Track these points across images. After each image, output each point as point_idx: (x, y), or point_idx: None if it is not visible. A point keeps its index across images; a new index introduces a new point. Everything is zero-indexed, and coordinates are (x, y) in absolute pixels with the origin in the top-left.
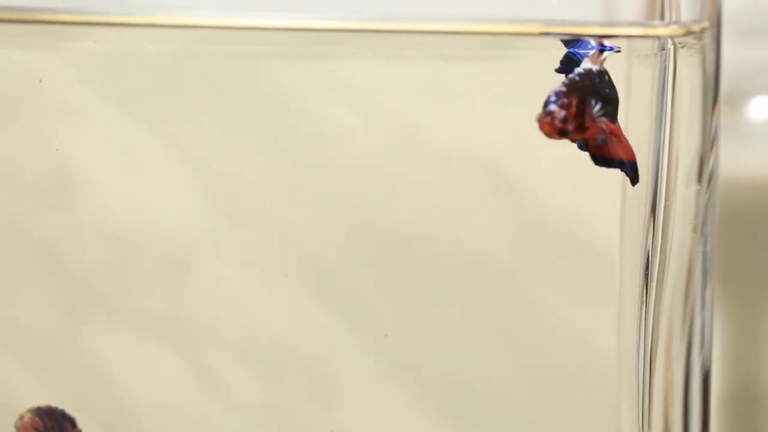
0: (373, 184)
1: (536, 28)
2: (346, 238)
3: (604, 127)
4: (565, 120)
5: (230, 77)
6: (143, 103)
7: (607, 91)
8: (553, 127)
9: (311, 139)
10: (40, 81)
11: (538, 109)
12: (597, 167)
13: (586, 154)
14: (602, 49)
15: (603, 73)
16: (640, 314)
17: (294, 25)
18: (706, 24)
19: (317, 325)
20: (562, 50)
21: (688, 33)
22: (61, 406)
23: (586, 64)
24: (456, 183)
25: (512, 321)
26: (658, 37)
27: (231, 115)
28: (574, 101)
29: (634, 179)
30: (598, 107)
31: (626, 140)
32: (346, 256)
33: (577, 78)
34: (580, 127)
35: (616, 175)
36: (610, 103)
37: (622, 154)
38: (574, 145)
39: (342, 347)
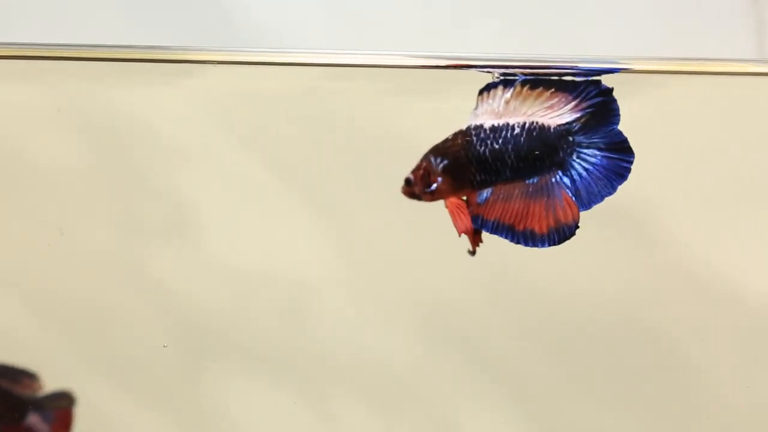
0: None
1: None
2: (464, 278)
3: (440, 181)
4: (409, 183)
5: (348, 115)
6: (260, 142)
7: (482, 149)
8: (404, 191)
9: None
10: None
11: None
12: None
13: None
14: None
15: (499, 129)
16: None
17: (411, 63)
18: None
19: (437, 366)
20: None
21: None
22: None
23: (472, 120)
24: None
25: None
26: None
27: (350, 154)
28: (425, 163)
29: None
30: (441, 166)
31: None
32: (464, 296)
33: (450, 137)
34: (429, 189)
35: None
36: (480, 163)
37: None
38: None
39: (462, 387)
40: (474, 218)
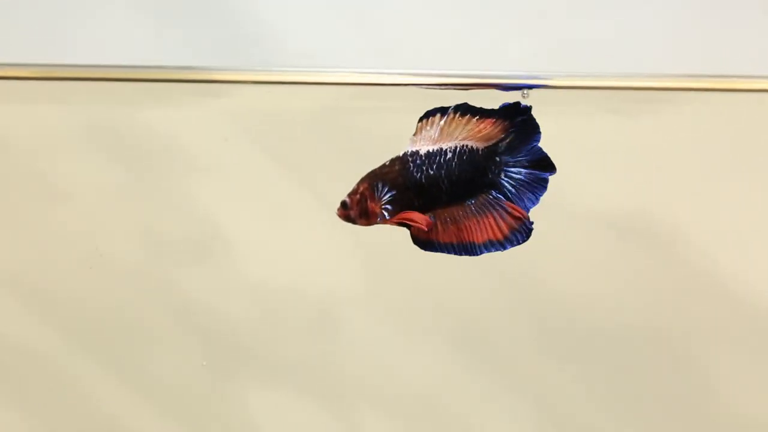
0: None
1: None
2: (491, 293)
3: (385, 213)
4: (345, 206)
5: (376, 133)
6: (288, 160)
7: (418, 175)
8: (339, 213)
9: None
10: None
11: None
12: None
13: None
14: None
15: (434, 154)
16: None
17: (435, 81)
18: None
19: (465, 382)
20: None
21: None
22: None
23: (410, 146)
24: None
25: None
26: None
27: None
28: (363, 188)
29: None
30: (386, 194)
31: (424, 224)
32: (494, 314)
33: (387, 163)
34: (365, 214)
35: None
36: (417, 188)
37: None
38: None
39: (491, 404)
40: (427, 243)
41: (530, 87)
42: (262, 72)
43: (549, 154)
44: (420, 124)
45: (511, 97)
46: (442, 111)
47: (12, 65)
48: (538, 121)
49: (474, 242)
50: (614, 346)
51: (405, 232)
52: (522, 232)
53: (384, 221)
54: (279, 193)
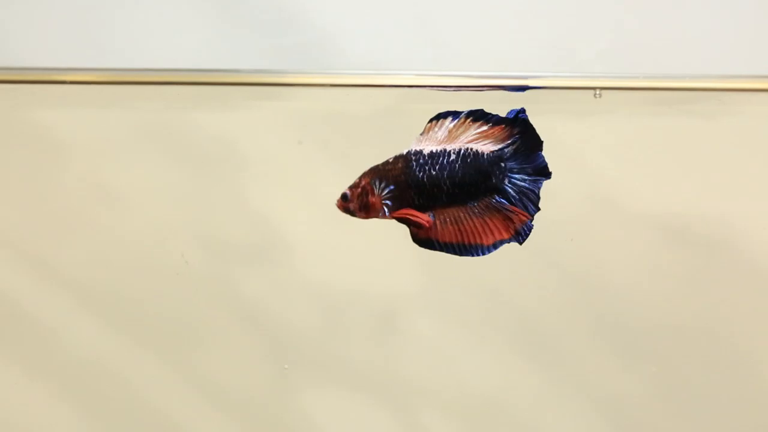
0: (584, 242)
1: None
2: (553, 294)
3: (385, 209)
4: (346, 199)
5: None
6: (346, 162)
7: (420, 174)
8: (338, 204)
9: None
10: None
11: None
12: None
13: None
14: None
15: (437, 155)
16: None
17: (488, 83)
18: None
19: (524, 381)
20: None
21: None
22: None
23: (414, 145)
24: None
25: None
26: None
27: None
28: (364, 182)
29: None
30: (386, 190)
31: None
32: (553, 313)
33: (390, 161)
34: (365, 208)
35: None
36: (418, 187)
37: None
38: None
39: (549, 402)
40: (427, 242)
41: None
42: (316, 75)
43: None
44: (429, 124)
45: (520, 102)
46: (454, 114)
47: (72, 69)
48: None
49: (481, 244)
50: (674, 345)
51: None
52: (522, 234)
53: (384, 216)
54: (337, 194)
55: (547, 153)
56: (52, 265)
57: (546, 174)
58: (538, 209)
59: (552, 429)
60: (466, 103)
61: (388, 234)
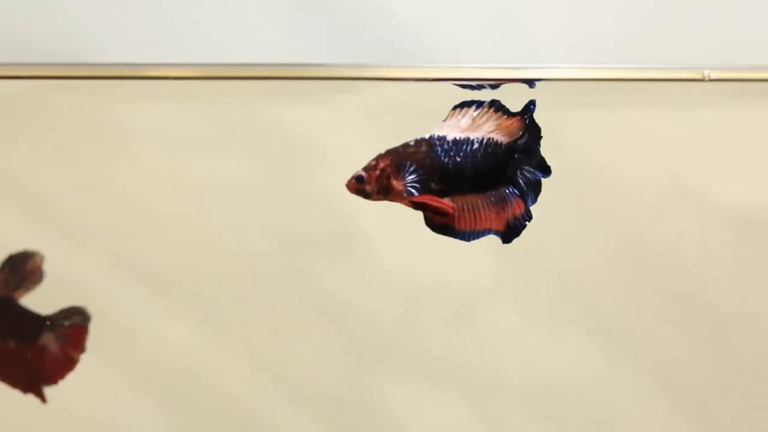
0: (658, 235)
1: None
2: (628, 285)
3: (413, 191)
4: (362, 181)
5: None
6: None
7: (446, 160)
8: (350, 186)
9: (598, 188)
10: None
11: None
12: None
13: None
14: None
15: (461, 142)
16: None
17: (571, 75)
18: None
19: (600, 372)
20: None
21: None
22: None
23: (437, 131)
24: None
25: None
26: None
27: None
28: (384, 164)
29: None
30: (412, 174)
31: (450, 209)
32: (631, 304)
33: (411, 143)
34: (385, 190)
35: None
36: (444, 173)
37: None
38: None
39: (625, 393)
40: (443, 227)
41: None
42: (393, 68)
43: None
44: (452, 111)
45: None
46: (478, 104)
47: (155, 65)
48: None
49: (496, 230)
50: (758, 337)
51: (547, 224)
52: (518, 226)
53: (404, 201)
54: None
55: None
56: (134, 260)
57: (545, 169)
58: (535, 203)
59: (630, 421)
60: (554, 95)
61: None
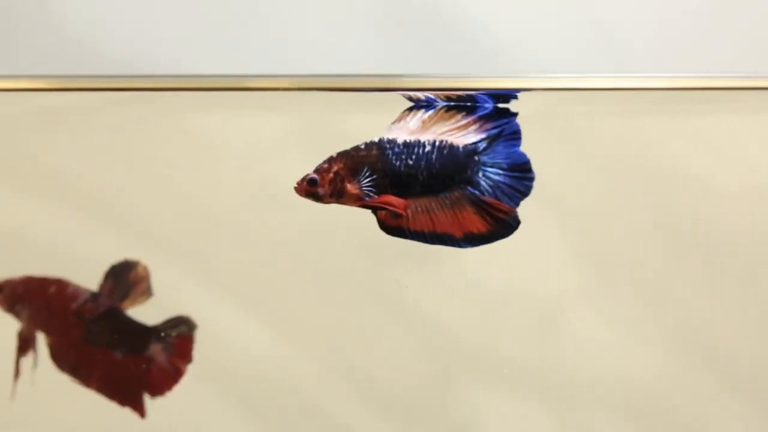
0: (744, 242)
1: None
2: (713, 290)
3: (370, 195)
4: (314, 183)
5: (594, 136)
6: None
7: (397, 163)
8: (301, 189)
9: (680, 197)
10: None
11: None
12: None
13: None
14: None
15: (412, 145)
16: None
17: (651, 85)
18: None
19: (683, 376)
20: None
21: None
22: None
23: (386, 134)
24: None
25: None
26: None
27: (598, 173)
28: (338, 167)
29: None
30: (367, 178)
31: (406, 212)
32: (713, 307)
33: (362, 147)
34: (338, 193)
35: None
36: (395, 176)
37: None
38: None
39: (716, 401)
40: (397, 230)
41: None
42: (468, 79)
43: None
44: (403, 113)
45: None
46: (429, 106)
47: (237, 77)
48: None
49: (452, 235)
50: None
51: (629, 230)
52: (503, 228)
53: (356, 203)
54: None
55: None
56: (213, 268)
57: (525, 170)
58: (516, 205)
59: (713, 425)
60: (641, 103)
61: (548, 232)
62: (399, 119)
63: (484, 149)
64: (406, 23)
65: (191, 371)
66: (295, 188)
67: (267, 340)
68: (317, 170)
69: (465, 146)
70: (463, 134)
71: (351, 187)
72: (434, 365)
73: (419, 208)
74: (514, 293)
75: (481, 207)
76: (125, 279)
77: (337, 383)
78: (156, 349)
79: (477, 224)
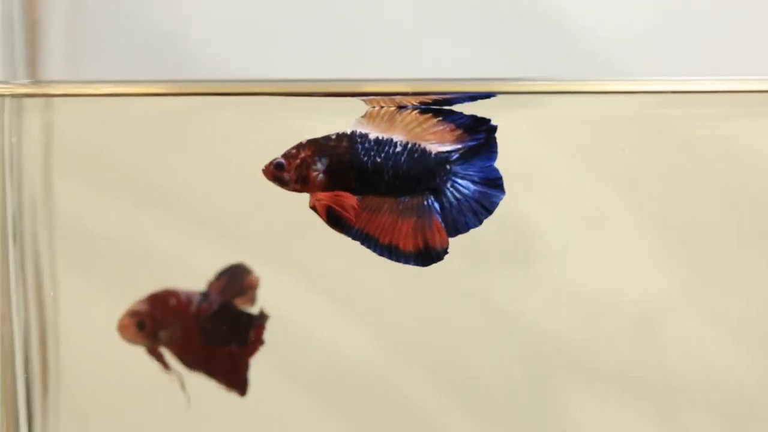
0: None
1: None
2: None
3: (323, 185)
4: (281, 168)
5: (685, 140)
6: (601, 168)
7: (365, 159)
8: (268, 172)
9: None
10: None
11: None
12: None
13: None
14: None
15: (384, 143)
16: None
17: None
18: None
19: None
20: None
21: None
22: None
23: (355, 126)
24: None
25: None
26: None
27: (692, 174)
28: (305, 154)
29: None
30: (324, 166)
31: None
32: None
33: (333, 137)
34: (303, 180)
35: None
36: (361, 171)
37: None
38: None
39: None
40: (339, 223)
41: None
42: (572, 82)
43: None
44: (373, 109)
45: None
46: (400, 107)
47: (330, 81)
48: None
49: (378, 238)
50: None
51: (725, 233)
52: (430, 256)
53: (315, 192)
54: (591, 199)
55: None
56: (309, 269)
57: (496, 186)
58: (479, 223)
59: None
60: (729, 107)
61: (645, 237)
62: (370, 114)
63: (457, 159)
64: (504, 27)
65: (285, 373)
66: (263, 171)
67: (362, 341)
68: (285, 155)
69: (438, 153)
70: (437, 140)
71: (313, 175)
72: (531, 367)
73: (369, 206)
74: (610, 295)
75: (423, 224)
76: (240, 281)
77: (432, 385)
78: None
79: (406, 240)
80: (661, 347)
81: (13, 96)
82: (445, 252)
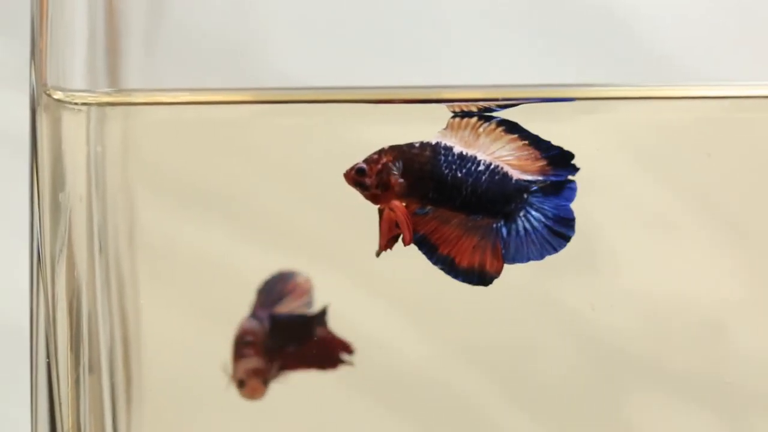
0: None
1: None
2: None
3: (398, 193)
4: (362, 173)
5: (754, 144)
6: (668, 172)
7: (446, 171)
8: (349, 177)
9: None
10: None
11: None
12: None
13: None
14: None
15: (467, 159)
16: None
17: None
18: None
19: None
20: None
21: None
22: None
23: (439, 137)
24: None
25: None
26: None
27: (755, 182)
28: (386, 159)
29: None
30: (400, 171)
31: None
32: None
33: (416, 145)
34: (384, 185)
35: None
36: (440, 183)
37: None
38: None
39: None
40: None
41: None
42: (639, 88)
43: None
44: (454, 120)
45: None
46: (483, 118)
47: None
48: None
49: (437, 247)
50: None
51: None
52: (481, 278)
53: (393, 199)
54: (657, 203)
55: None
56: (376, 278)
57: (568, 227)
58: (540, 258)
59: None
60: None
61: (710, 240)
62: (452, 125)
63: (536, 191)
64: (575, 31)
65: (359, 383)
66: (344, 175)
67: (425, 347)
68: (366, 160)
69: (518, 180)
70: (518, 165)
71: (394, 182)
72: (598, 373)
73: (440, 215)
74: (679, 301)
75: (485, 246)
76: (278, 290)
77: (498, 393)
78: (321, 331)
79: (462, 256)
80: (730, 353)
81: (99, 105)
82: (496, 278)
